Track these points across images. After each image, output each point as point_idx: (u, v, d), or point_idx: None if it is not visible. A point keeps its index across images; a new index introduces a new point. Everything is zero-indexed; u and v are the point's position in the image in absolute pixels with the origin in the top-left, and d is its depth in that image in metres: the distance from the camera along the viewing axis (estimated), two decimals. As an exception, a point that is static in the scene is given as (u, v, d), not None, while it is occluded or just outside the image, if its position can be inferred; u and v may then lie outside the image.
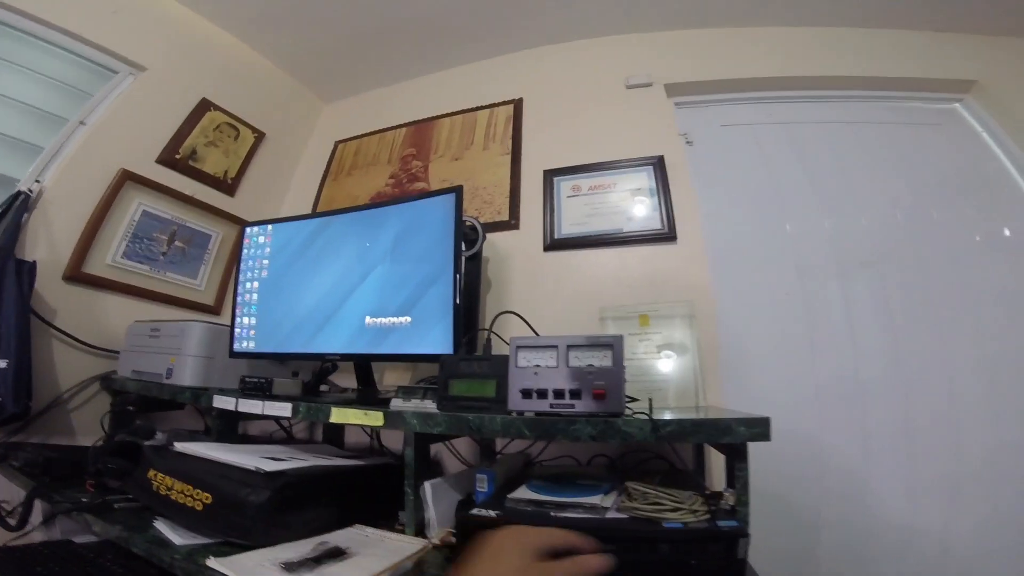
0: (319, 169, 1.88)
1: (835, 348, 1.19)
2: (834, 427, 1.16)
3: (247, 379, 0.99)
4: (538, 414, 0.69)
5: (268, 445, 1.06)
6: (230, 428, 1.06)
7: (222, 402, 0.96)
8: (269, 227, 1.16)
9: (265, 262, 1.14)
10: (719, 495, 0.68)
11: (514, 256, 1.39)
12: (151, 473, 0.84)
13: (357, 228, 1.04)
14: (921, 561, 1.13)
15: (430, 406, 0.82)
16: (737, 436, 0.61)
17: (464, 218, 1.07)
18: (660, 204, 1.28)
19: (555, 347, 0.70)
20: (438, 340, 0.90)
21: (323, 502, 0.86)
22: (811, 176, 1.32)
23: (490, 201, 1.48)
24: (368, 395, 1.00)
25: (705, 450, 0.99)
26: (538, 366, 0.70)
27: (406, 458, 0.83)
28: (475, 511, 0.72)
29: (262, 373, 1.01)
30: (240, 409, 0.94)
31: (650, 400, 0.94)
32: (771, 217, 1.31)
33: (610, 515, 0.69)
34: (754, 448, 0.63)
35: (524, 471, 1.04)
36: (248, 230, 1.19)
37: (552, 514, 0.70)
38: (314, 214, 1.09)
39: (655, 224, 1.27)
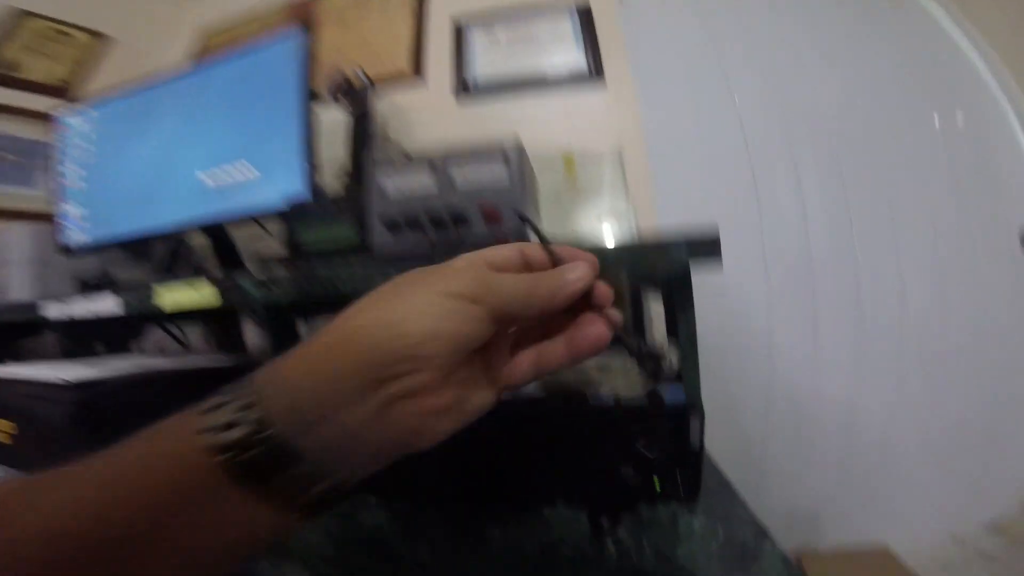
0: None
1: (785, 224, 1.13)
2: (784, 303, 1.12)
3: (82, 276, 0.79)
4: (413, 255, 0.52)
5: (121, 357, 0.78)
6: (80, 343, 0.84)
7: (54, 310, 0.68)
8: (89, 109, 0.92)
9: (91, 147, 0.90)
10: (657, 358, 0.53)
11: (419, 111, 1.21)
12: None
13: (187, 94, 0.84)
14: (867, 441, 1.14)
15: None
16: (677, 261, 0.43)
17: (346, 69, 0.96)
18: (586, 49, 1.19)
19: (431, 165, 0.54)
20: (287, 190, 0.69)
21: (162, 413, 0.61)
22: (759, 53, 1.25)
23: (387, 58, 1.29)
24: (229, 271, 0.75)
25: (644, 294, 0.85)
26: (411, 190, 0.53)
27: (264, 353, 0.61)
28: None
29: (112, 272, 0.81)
30: (68, 314, 0.67)
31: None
32: (715, 86, 1.22)
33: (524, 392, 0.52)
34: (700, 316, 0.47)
35: None
36: (62, 118, 0.95)
37: None
38: (136, 87, 0.87)
39: (580, 65, 1.18)
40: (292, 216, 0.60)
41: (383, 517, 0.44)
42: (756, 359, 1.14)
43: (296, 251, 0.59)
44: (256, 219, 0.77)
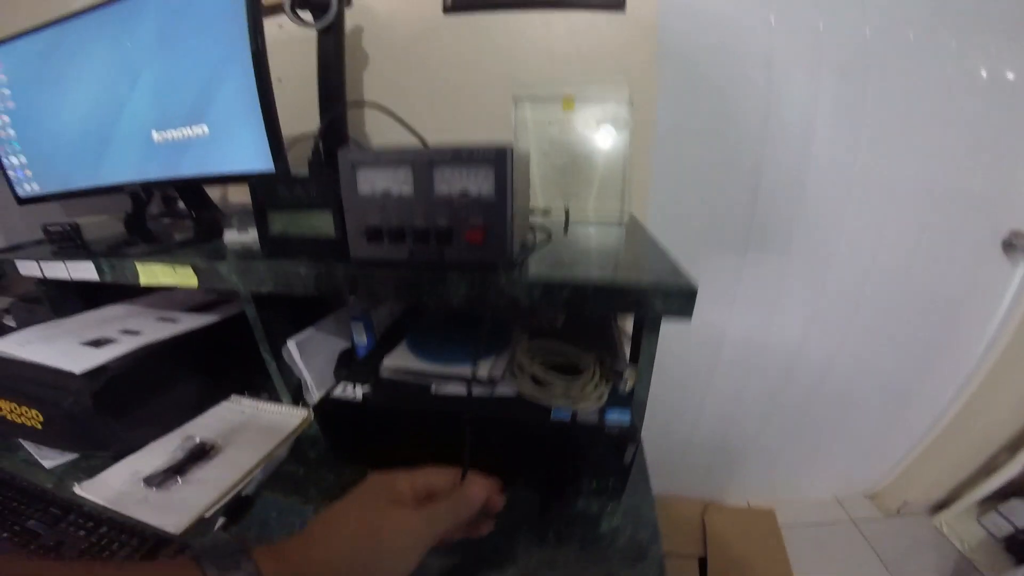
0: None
1: (789, 156, 0.98)
2: (763, 230, 1.06)
3: (49, 227, 0.72)
4: (393, 265, 0.48)
5: (109, 309, 0.85)
6: (63, 294, 0.86)
7: (28, 268, 0.71)
8: None
9: (6, 91, 0.75)
10: (619, 375, 0.56)
11: (400, 23, 0.94)
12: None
13: (108, 27, 0.65)
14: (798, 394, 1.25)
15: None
16: (651, 309, 0.43)
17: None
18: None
19: (408, 164, 0.45)
20: (249, 153, 0.62)
21: (173, 383, 0.72)
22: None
23: None
24: (204, 227, 0.74)
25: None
26: (388, 193, 0.46)
27: (249, 318, 0.64)
28: (335, 393, 0.58)
29: (72, 215, 0.75)
30: (46, 275, 0.70)
31: (566, 211, 0.76)
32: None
33: (501, 390, 0.57)
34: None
35: (414, 309, 0.91)
36: None
37: (433, 390, 0.58)
38: (46, 23, 0.69)
39: None
40: (258, 194, 0.52)
41: None
42: (720, 299, 1.13)
43: (267, 234, 0.54)
44: (211, 183, 0.69)
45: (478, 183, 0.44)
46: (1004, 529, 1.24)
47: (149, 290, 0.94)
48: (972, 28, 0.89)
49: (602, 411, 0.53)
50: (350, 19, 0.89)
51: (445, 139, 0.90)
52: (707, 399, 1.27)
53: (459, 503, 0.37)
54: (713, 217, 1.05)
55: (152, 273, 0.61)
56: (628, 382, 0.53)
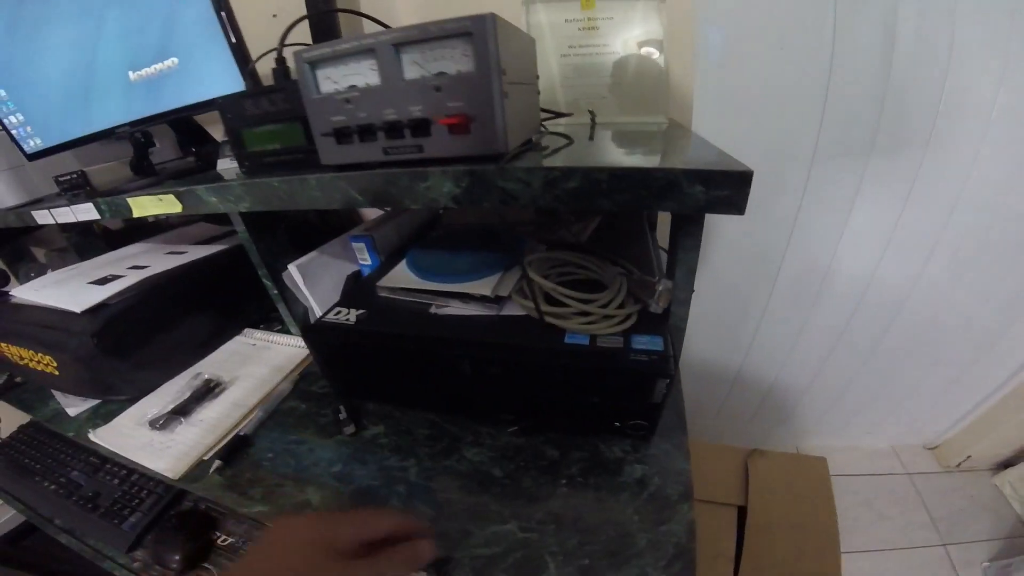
0: None
1: (865, 79, 0.80)
2: (830, 165, 0.89)
3: (60, 178, 0.71)
4: (366, 166, 0.42)
5: (127, 248, 0.85)
6: (88, 241, 0.93)
7: (42, 217, 0.71)
8: None
9: None
10: (650, 287, 0.47)
11: None
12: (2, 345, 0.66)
13: None
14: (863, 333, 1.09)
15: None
16: (687, 201, 0.33)
17: None
18: None
19: (372, 51, 0.37)
20: (221, 77, 0.60)
21: (182, 318, 0.70)
22: None
23: None
24: (204, 160, 0.72)
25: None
26: (353, 88, 0.39)
27: (244, 244, 0.61)
28: (327, 317, 0.54)
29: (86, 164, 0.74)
30: (58, 220, 0.69)
31: (592, 115, 0.66)
32: None
33: (507, 311, 0.51)
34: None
35: (431, 224, 0.85)
36: None
37: (432, 311, 0.52)
38: None
39: None
40: (227, 115, 0.47)
41: (381, 429, 0.54)
42: (780, 219, 0.97)
43: (244, 154, 0.49)
44: (191, 113, 0.65)
45: (455, 61, 0.36)
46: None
47: (172, 228, 0.94)
48: None
49: (628, 335, 0.45)
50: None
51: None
52: (761, 330, 1.15)
53: (389, 562, 0.32)
54: (771, 133, 0.90)
55: (142, 205, 0.58)
56: (662, 300, 0.45)
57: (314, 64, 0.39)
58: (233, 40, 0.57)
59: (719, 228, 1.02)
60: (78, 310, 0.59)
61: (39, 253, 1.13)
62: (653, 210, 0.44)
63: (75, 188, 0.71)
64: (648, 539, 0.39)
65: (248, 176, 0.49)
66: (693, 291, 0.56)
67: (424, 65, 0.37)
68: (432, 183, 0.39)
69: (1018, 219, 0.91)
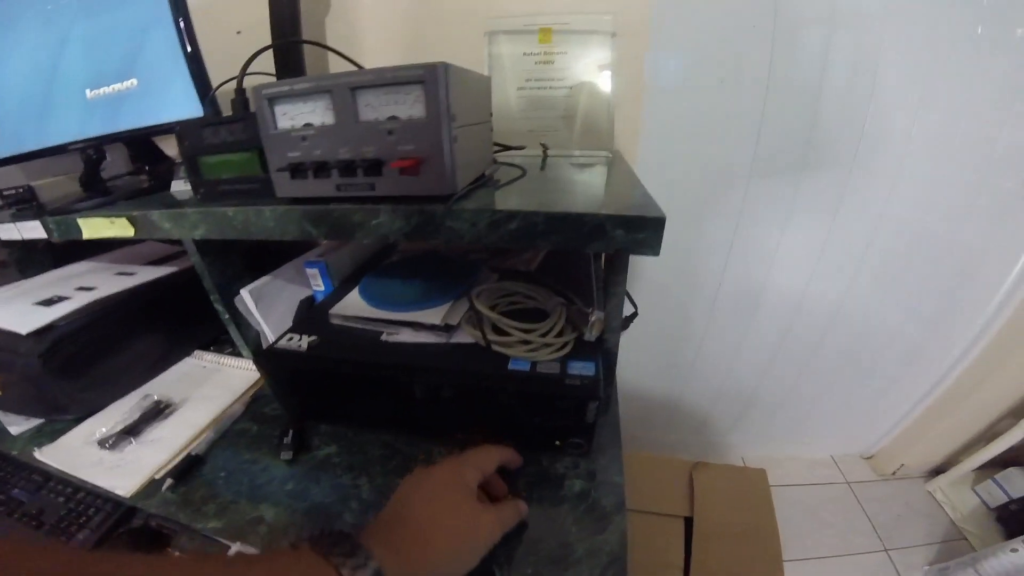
0: None
1: (797, 107, 0.87)
2: (763, 183, 0.96)
3: (4, 191, 0.68)
4: (320, 201, 0.44)
5: (72, 267, 0.82)
6: (29, 256, 0.86)
7: None
8: None
9: None
10: (585, 316, 0.51)
11: None
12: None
13: None
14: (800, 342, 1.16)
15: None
16: (611, 243, 0.37)
17: None
18: None
19: (328, 92, 0.39)
20: (180, 101, 0.60)
21: (131, 340, 0.69)
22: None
23: None
24: (157, 179, 0.70)
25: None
26: (309, 126, 0.41)
27: (196, 268, 0.61)
28: (279, 343, 0.55)
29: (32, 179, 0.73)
30: (2, 236, 0.66)
31: (544, 148, 0.70)
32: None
33: (457, 338, 0.54)
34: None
35: (387, 250, 0.86)
36: None
37: (384, 338, 0.55)
38: None
39: None
40: (185, 142, 0.48)
41: (334, 449, 0.55)
42: (718, 240, 1.05)
43: (199, 180, 0.50)
44: (148, 135, 0.65)
45: (408, 106, 0.38)
46: (998, 498, 1.20)
47: (118, 246, 0.91)
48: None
49: (565, 361, 0.49)
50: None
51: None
52: (704, 348, 1.21)
53: (517, 510, 0.43)
54: (709, 158, 0.96)
55: (93, 227, 0.58)
56: (594, 328, 0.49)
57: (272, 100, 0.41)
58: (189, 50, 0.58)
59: (664, 247, 1.07)
60: (23, 331, 0.58)
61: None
62: (584, 250, 0.48)
63: (21, 203, 0.69)
64: (585, 548, 0.43)
65: (203, 202, 0.50)
66: (636, 314, 0.61)
67: (378, 108, 0.39)
68: (383, 220, 0.41)
69: (933, 237, 1.00)
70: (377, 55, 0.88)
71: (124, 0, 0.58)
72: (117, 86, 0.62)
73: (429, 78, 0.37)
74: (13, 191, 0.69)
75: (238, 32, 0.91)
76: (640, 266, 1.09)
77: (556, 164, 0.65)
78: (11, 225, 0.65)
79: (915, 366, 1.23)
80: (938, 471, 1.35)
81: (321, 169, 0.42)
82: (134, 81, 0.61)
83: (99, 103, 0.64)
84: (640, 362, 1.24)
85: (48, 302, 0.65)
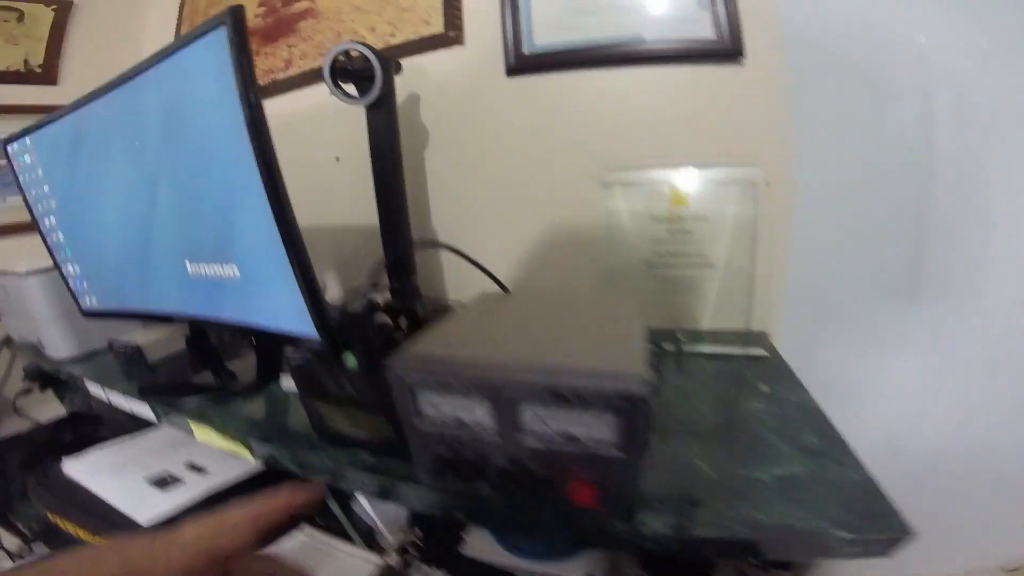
0: (171, 19, 1.18)
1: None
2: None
3: (114, 345, 0.67)
4: (472, 496, 0.37)
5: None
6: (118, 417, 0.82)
7: (98, 392, 0.71)
8: (27, 139, 0.67)
9: (45, 188, 0.69)
10: None
11: (455, 87, 0.80)
12: (51, 517, 0.65)
13: (117, 117, 0.54)
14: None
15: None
16: (836, 553, 0.31)
17: (345, 46, 0.63)
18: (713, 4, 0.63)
19: (483, 396, 0.32)
20: (287, 310, 0.45)
21: None
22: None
23: (410, 7, 0.82)
24: (266, 367, 0.63)
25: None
26: (461, 421, 0.34)
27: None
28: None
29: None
30: (111, 401, 0.69)
31: (677, 340, 0.60)
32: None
33: None
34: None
35: None
36: (9, 149, 0.70)
37: None
38: (69, 106, 0.59)
39: (703, 31, 0.64)
40: (300, 382, 0.43)
41: None
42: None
43: (320, 421, 0.45)
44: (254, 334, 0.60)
45: (589, 427, 0.31)
46: None
47: None
48: None
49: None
50: (402, 87, 0.74)
51: (519, 232, 0.79)
52: None
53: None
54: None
55: (206, 435, 0.55)
56: None
57: (414, 387, 0.35)
58: (302, 274, 0.42)
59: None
60: (143, 522, 0.57)
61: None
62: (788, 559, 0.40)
63: (130, 364, 0.67)
64: None
65: (321, 441, 0.45)
66: None
67: (548, 421, 0.32)
68: (548, 529, 0.35)
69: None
70: (482, 196, 0.83)
71: (207, 152, 0.45)
72: (218, 269, 0.52)
73: (628, 408, 0.29)
74: (124, 348, 0.67)
75: (336, 158, 0.89)
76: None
77: (698, 370, 0.55)
78: (122, 398, 0.65)
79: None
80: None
81: (475, 472, 0.35)
82: (235, 268, 0.50)
83: (202, 282, 0.54)
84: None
85: (162, 483, 0.64)
